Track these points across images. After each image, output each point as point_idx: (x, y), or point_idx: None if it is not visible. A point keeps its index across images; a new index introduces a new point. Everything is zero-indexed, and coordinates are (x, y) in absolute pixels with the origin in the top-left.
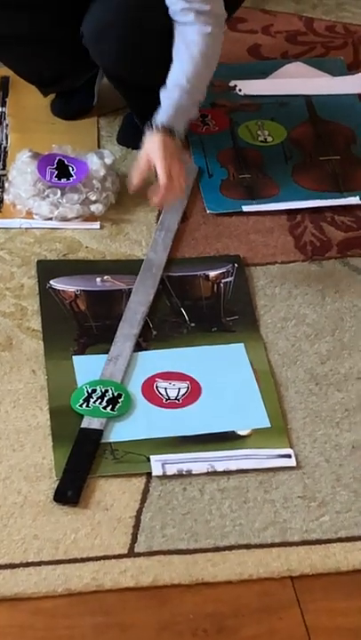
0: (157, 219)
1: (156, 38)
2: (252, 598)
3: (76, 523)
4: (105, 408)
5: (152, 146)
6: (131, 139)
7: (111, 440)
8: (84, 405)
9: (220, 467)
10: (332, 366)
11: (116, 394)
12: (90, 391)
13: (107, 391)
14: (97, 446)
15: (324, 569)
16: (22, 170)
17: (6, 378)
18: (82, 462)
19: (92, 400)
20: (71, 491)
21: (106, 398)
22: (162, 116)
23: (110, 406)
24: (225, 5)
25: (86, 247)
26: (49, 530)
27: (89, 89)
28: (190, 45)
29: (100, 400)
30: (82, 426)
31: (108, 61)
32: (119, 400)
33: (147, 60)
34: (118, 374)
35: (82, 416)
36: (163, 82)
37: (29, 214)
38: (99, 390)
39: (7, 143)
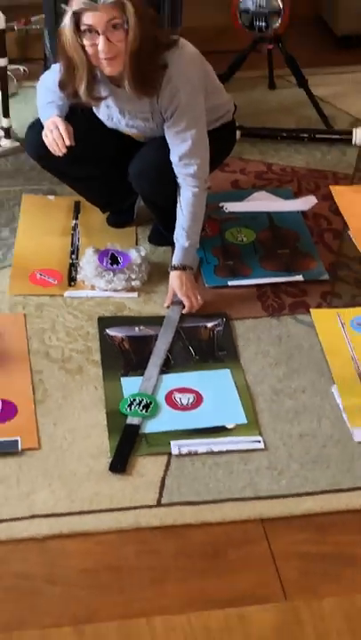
0: None
1: (174, 181)
2: (236, 533)
3: (123, 484)
4: (141, 410)
5: (175, 282)
6: (157, 240)
7: (145, 431)
8: (128, 409)
9: (215, 448)
10: (286, 384)
11: (148, 402)
12: (132, 400)
13: (142, 400)
14: (136, 435)
15: (283, 514)
16: (88, 260)
17: (78, 392)
18: (127, 446)
19: (133, 405)
20: (120, 464)
21: (142, 404)
22: (175, 259)
23: (145, 409)
24: (215, 160)
25: (129, 308)
26: (106, 489)
27: (131, 208)
28: (185, 206)
29: (138, 405)
30: (126, 422)
31: (144, 192)
32: (150, 405)
33: (168, 193)
34: (150, 389)
35: (126, 416)
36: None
37: (93, 288)
38: (137, 399)
39: (79, 243)
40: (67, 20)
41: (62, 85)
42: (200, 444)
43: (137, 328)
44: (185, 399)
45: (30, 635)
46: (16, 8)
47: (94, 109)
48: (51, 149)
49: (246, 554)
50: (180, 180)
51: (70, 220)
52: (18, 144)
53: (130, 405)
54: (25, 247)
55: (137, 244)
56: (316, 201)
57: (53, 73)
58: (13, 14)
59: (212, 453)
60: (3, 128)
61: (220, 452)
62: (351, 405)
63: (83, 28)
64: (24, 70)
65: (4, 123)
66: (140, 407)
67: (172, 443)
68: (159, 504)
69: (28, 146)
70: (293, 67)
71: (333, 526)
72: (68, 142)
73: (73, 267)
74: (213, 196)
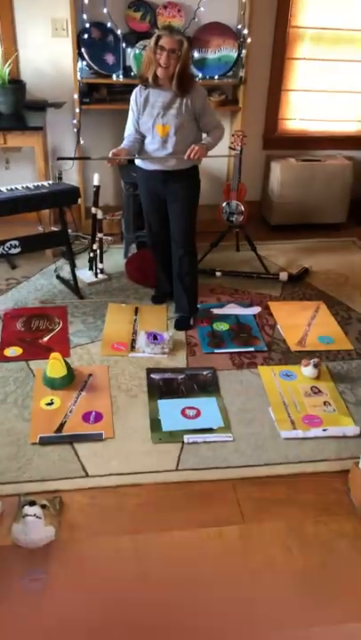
0: (187, 357)
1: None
2: (218, 486)
3: (158, 458)
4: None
5: (197, 146)
6: (180, 326)
7: (170, 429)
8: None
9: (208, 440)
10: (245, 405)
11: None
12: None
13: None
14: None
15: (243, 476)
16: (142, 337)
17: (134, 407)
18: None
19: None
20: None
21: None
22: (203, 141)
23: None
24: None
25: (162, 363)
26: (148, 460)
27: (165, 296)
28: (215, 134)
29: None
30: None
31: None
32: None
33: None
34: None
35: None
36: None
37: (143, 352)
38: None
39: (137, 328)
40: (152, 41)
41: (142, 76)
42: (199, 438)
43: (167, 374)
44: (192, 412)
45: (105, 540)
46: (107, 207)
47: (144, 118)
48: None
49: (223, 498)
50: (214, 129)
51: (133, 316)
52: (107, 277)
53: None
54: (109, 330)
55: (167, 329)
56: (260, 309)
57: (128, 128)
58: (105, 210)
59: (204, 442)
60: (100, 268)
61: (209, 442)
62: (279, 418)
63: (159, 44)
64: (110, 239)
65: (100, 265)
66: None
67: (185, 436)
68: (177, 469)
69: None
70: (249, 240)
71: (270, 484)
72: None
73: (134, 341)
74: (207, 305)
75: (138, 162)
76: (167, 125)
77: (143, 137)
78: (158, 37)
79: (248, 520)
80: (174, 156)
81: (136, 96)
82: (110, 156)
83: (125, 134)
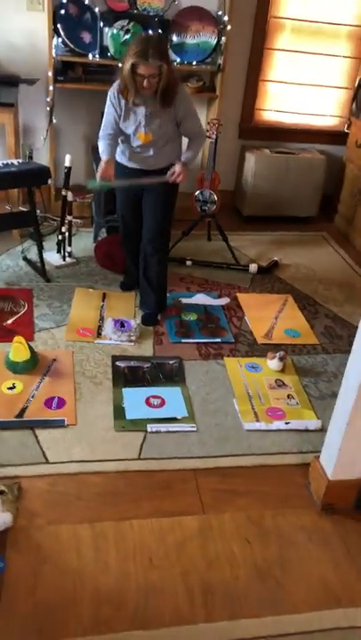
0: (153, 345)
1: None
2: (180, 476)
3: (121, 446)
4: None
5: (178, 167)
6: (146, 322)
7: (133, 418)
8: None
9: (171, 429)
10: (209, 396)
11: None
12: (122, 427)
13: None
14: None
15: (205, 466)
16: (108, 324)
17: (99, 394)
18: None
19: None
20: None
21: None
22: (182, 159)
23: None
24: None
25: (128, 351)
26: (111, 448)
27: (134, 284)
28: (194, 145)
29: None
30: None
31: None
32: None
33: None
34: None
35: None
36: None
37: (110, 339)
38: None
39: (104, 315)
40: (127, 67)
41: (122, 92)
42: (162, 427)
43: (132, 362)
44: (156, 401)
45: (64, 527)
46: (77, 187)
47: (126, 122)
48: (99, 177)
49: (184, 488)
50: (195, 137)
51: (100, 302)
52: (75, 261)
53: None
54: (75, 315)
55: (134, 316)
56: (228, 300)
57: (105, 125)
58: (75, 192)
59: (167, 432)
60: (68, 252)
61: (173, 432)
62: (243, 410)
63: (137, 73)
64: (80, 222)
65: (69, 248)
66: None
67: (148, 425)
68: (139, 458)
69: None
70: (221, 230)
71: (231, 475)
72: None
73: (100, 327)
74: (176, 294)
75: (117, 156)
76: (149, 134)
77: (122, 134)
78: (134, 66)
79: (208, 511)
80: (153, 167)
81: (116, 100)
82: (101, 177)
83: (102, 133)
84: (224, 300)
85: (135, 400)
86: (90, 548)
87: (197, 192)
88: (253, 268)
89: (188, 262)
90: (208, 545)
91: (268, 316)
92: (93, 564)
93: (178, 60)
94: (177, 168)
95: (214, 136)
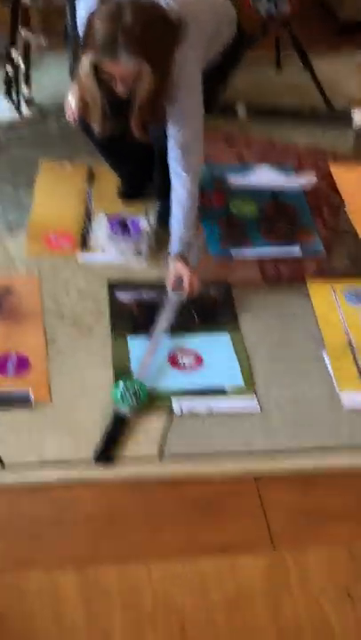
0: None
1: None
2: (230, 487)
3: (127, 438)
4: (132, 400)
5: (178, 268)
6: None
7: (146, 388)
8: (120, 398)
9: (214, 408)
10: (282, 351)
11: (139, 391)
12: (125, 388)
13: (135, 389)
14: (125, 426)
15: (274, 470)
16: (100, 225)
17: (88, 350)
18: (114, 436)
19: (125, 394)
20: (106, 455)
21: (134, 394)
22: (174, 249)
23: (135, 399)
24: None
25: (137, 273)
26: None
27: (142, 184)
28: (179, 203)
29: (128, 394)
30: (115, 411)
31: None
32: (141, 395)
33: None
34: (144, 377)
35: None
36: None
37: (103, 252)
38: (130, 388)
39: (92, 209)
40: (86, 66)
41: (82, 122)
42: (199, 404)
43: (144, 293)
44: (187, 360)
45: (35, 575)
46: None
47: None
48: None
49: (239, 507)
50: (178, 174)
51: (85, 186)
52: (38, 112)
53: (122, 396)
54: (41, 210)
55: (146, 214)
56: (315, 179)
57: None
58: None
59: (210, 413)
60: (26, 97)
61: (220, 413)
62: (340, 371)
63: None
64: (44, 41)
65: (26, 90)
66: (131, 395)
67: (174, 401)
68: (160, 457)
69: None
70: (299, 50)
71: (319, 483)
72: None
73: (86, 231)
74: (219, 167)
75: None
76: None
77: None
78: (96, 64)
79: (281, 545)
80: None
81: None
82: None
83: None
84: (306, 179)
85: (150, 358)
86: (76, 607)
87: None
88: (359, 116)
89: (241, 109)
90: (281, 603)
91: None
92: (82, 635)
93: None
94: (185, 280)
95: None
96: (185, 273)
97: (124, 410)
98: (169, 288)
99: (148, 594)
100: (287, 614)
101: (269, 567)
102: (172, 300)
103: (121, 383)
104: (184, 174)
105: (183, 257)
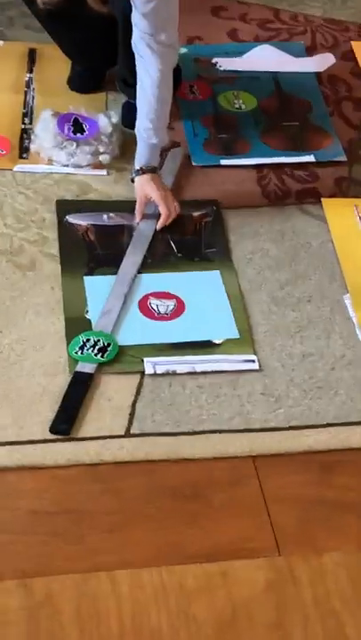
0: None
1: None
2: (221, 472)
3: (85, 409)
4: (96, 355)
5: (146, 187)
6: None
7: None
8: (79, 352)
9: (199, 368)
10: (288, 291)
11: (106, 343)
12: (84, 340)
13: (98, 341)
14: (88, 388)
15: (278, 451)
16: (46, 126)
17: (30, 292)
18: (75, 401)
19: (85, 348)
20: (64, 424)
21: (97, 347)
22: (140, 160)
23: (100, 354)
24: None
25: (96, 189)
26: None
27: (101, 71)
28: (147, 89)
29: (92, 348)
30: (76, 369)
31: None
32: (108, 348)
33: None
34: (109, 327)
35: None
36: None
37: (50, 162)
38: (92, 340)
39: (33, 103)
40: None
41: None
42: (180, 363)
43: (105, 216)
44: (163, 306)
45: None
46: None
47: None
48: None
49: (233, 497)
50: (137, 57)
51: (24, 72)
52: None
53: (82, 347)
54: None
55: (107, 108)
56: (334, 60)
57: None
58: None
59: (194, 374)
60: None
61: (205, 373)
62: None
63: None
64: None
65: None
66: (95, 350)
67: (146, 360)
68: (128, 434)
69: None
70: None
71: (340, 467)
72: None
73: (26, 134)
74: (205, 48)
75: None
76: None
77: None
78: None
79: (288, 548)
80: None
81: None
82: None
83: None
84: (322, 61)
85: (116, 303)
86: (19, 635)
87: None
88: None
89: None
90: (291, 625)
91: None
92: None
93: None
94: (158, 203)
95: None
96: (156, 194)
97: (86, 369)
98: (138, 215)
99: (113, 613)
100: (293, 624)
101: (275, 576)
102: (142, 230)
103: (81, 335)
104: (153, 57)
105: (153, 171)
